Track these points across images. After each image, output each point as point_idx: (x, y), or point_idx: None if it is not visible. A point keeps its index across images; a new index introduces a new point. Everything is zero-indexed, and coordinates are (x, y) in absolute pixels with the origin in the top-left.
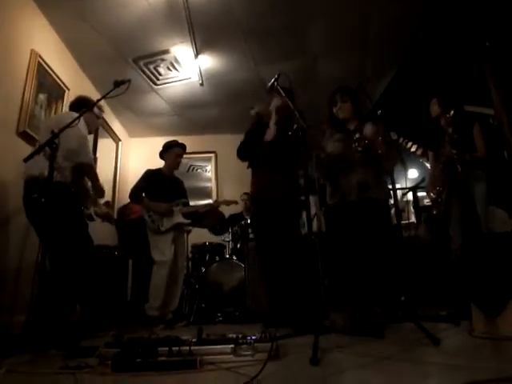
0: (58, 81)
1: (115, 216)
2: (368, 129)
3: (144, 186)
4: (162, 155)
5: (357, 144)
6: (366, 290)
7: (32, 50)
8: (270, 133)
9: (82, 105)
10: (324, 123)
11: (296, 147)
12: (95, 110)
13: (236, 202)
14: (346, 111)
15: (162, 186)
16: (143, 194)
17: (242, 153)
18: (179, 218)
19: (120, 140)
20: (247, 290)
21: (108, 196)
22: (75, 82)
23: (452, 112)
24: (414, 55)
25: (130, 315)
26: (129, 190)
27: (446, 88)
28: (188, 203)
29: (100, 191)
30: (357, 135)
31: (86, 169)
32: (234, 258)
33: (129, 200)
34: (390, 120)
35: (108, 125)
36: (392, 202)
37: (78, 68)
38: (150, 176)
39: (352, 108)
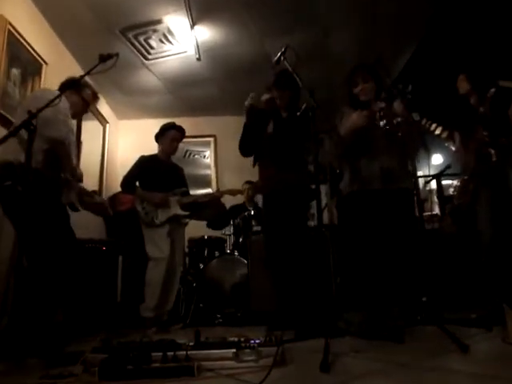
0: (34, 54)
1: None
2: (396, 106)
3: (138, 174)
4: (158, 139)
5: (382, 119)
6: (383, 288)
7: (1, 16)
8: (271, 125)
9: (72, 86)
10: (344, 105)
11: (305, 130)
12: (85, 92)
13: (242, 192)
14: (368, 93)
15: (157, 174)
16: (137, 183)
17: (244, 149)
18: (176, 210)
19: (107, 122)
20: (250, 289)
21: (95, 185)
22: (54, 56)
23: (493, 90)
24: (437, 26)
25: (120, 317)
26: (118, 178)
27: (476, 61)
28: (188, 192)
29: (74, 174)
30: (382, 106)
31: (56, 145)
32: (236, 253)
33: (118, 189)
34: (412, 99)
35: (93, 105)
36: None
37: (58, 40)
38: (144, 163)
39: (375, 88)
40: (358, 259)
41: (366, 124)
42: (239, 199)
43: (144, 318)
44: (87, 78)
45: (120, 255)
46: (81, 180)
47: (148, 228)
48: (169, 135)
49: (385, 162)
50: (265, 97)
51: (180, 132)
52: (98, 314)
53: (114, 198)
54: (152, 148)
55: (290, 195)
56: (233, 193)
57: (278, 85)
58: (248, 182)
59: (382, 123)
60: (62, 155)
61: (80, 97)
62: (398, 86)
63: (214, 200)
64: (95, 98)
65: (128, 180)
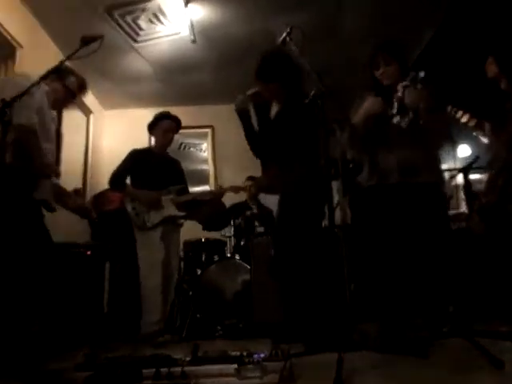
0: (7, 35)
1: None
2: (412, 92)
3: (129, 169)
4: (151, 130)
5: (396, 107)
6: (404, 296)
7: None
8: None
9: (52, 72)
10: (365, 91)
11: (315, 119)
12: (69, 79)
13: (245, 189)
14: (391, 76)
15: (151, 169)
16: (128, 180)
17: (256, 151)
18: (170, 210)
19: (91, 112)
20: (254, 297)
21: (78, 182)
22: (30, 38)
23: None
24: (462, 2)
25: (107, 329)
26: (104, 174)
27: (507, 42)
28: (186, 189)
29: (43, 167)
30: (399, 93)
31: (24, 134)
32: (237, 257)
33: (104, 186)
34: (435, 84)
35: None
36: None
37: (34, 20)
38: (136, 157)
39: (398, 71)
40: (374, 263)
41: (380, 111)
42: (240, 197)
43: (142, 333)
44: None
45: (107, 261)
46: (57, 176)
47: (140, 231)
48: (162, 126)
49: (403, 154)
50: (250, 91)
51: (175, 122)
52: (82, 325)
53: (100, 196)
54: (142, 140)
55: (298, 195)
56: (236, 190)
57: (260, 76)
58: (250, 178)
59: (394, 110)
60: (31, 146)
61: (61, 84)
62: (410, 73)
63: (214, 199)
64: (82, 87)
65: (117, 176)
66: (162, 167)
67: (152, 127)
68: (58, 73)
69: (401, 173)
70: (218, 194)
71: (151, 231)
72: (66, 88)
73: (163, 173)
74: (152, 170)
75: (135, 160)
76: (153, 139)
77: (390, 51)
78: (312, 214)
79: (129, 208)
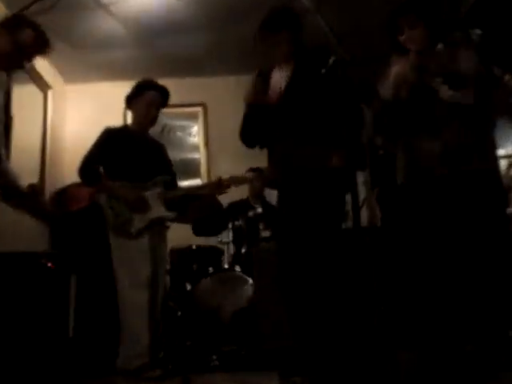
0: None
1: (47, 205)
2: (463, 56)
3: (104, 155)
4: (130, 103)
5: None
6: (451, 317)
7: None
8: (275, 91)
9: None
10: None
11: (334, 94)
12: (22, 33)
13: (248, 181)
14: (418, 40)
15: (130, 155)
16: (101, 170)
17: (247, 139)
18: (159, 211)
19: (50, 88)
20: (258, 318)
21: (33, 175)
22: None
23: None
24: None
25: (73, 359)
26: (67, 164)
27: None
28: (174, 181)
29: None
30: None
31: None
32: (237, 268)
33: (66, 180)
34: (489, 48)
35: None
36: None
37: None
38: (111, 138)
39: (427, 34)
40: (412, 275)
41: (416, 79)
42: (240, 193)
43: (127, 369)
44: None
45: (72, 273)
46: None
47: (118, 238)
48: (146, 98)
49: (449, 136)
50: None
51: (160, 93)
52: (40, 355)
53: (64, 192)
54: (114, 123)
55: (314, 181)
56: (238, 182)
57: (267, 26)
58: (253, 170)
59: (437, 81)
60: None
61: (10, 38)
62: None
63: (211, 193)
64: (40, 43)
65: (89, 164)
66: (143, 152)
67: (131, 99)
68: (5, 25)
69: (446, 160)
70: (217, 187)
71: (136, 239)
72: (15, 43)
73: (145, 159)
74: (131, 155)
75: (110, 142)
76: (130, 117)
77: (415, 11)
78: (328, 214)
79: (105, 207)
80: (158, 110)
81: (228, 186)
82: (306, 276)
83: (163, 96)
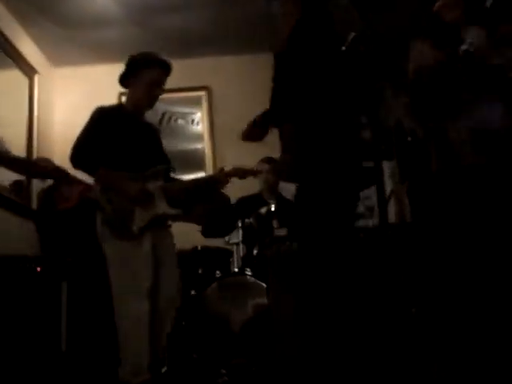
0: None
1: (34, 206)
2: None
3: (99, 139)
4: (127, 80)
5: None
6: (492, 326)
7: None
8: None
9: None
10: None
11: (353, 73)
12: None
13: (256, 173)
14: (454, 9)
15: (126, 139)
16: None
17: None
18: (161, 206)
19: (36, 72)
20: (271, 328)
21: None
22: None
23: None
24: None
25: (66, 376)
26: (55, 157)
27: None
28: (172, 171)
29: None
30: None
31: None
32: (248, 271)
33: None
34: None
35: (12, 46)
36: None
37: None
38: (103, 119)
39: (462, 2)
40: (447, 277)
41: (436, 63)
42: (251, 186)
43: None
44: None
45: (64, 280)
46: None
47: (114, 237)
48: (149, 75)
49: (481, 120)
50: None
51: (165, 70)
52: (31, 371)
53: (52, 190)
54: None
55: (328, 183)
56: (242, 174)
57: None
58: (267, 160)
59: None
60: None
61: None
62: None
63: (212, 188)
64: None
65: (84, 148)
66: (140, 136)
67: (129, 76)
68: None
69: (479, 148)
70: (219, 180)
71: (136, 239)
72: None
73: (142, 145)
74: (128, 140)
75: (105, 124)
76: (124, 96)
77: None
78: (347, 209)
79: (102, 201)
80: (159, 89)
81: (227, 181)
82: (330, 281)
83: (166, 71)
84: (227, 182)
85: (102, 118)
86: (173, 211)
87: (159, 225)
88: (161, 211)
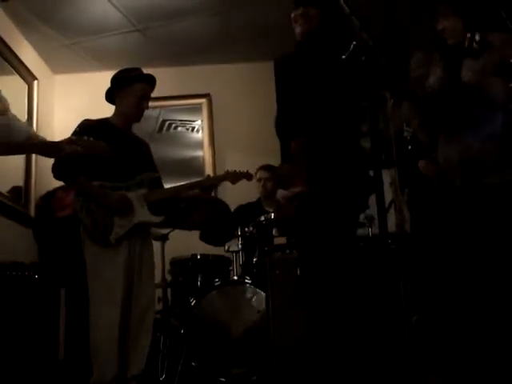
0: None
1: (32, 213)
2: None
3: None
4: (112, 95)
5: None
6: (492, 336)
7: None
8: None
9: None
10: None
11: (355, 82)
12: None
13: (249, 176)
14: (452, 34)
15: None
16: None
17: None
18: (142, 215)
19: (35, 79)
20: (272, 337)
21: (18, 176)
22: None
23: None
24: None
25: (63, 382)
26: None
27: None
28: (158, 180)
29: None
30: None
31: None
32: (248, 280)
33: (55, 183)
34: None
35: (12, 52)
36: None
37: None
38: (87, 132)
39: (461, 26)
40: (447, 287)
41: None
42: (250, 193)
43: None
44: None
45: (62, 287)
46: None
47: (94, 245)
48: (133, 90)
49: (468, 144)
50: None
51: (150, 85)
52: (27, 377)
53: (50, 197)
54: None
55: (329, 191)
56: (234, 178)
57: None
58: (266, 168)
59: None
60: None
61: None
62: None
63: (205, 195)
64: None
65: (65, 161)
66: (126, 149)
67: (118, 88)
68: None
69: (465, 172)
70: (205, 185)
71: (113, 248)
72: None
73: (128, 157)
74: (113, 151)
75: (89, 136)
76: (112, 109)
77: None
78: (349, 218)
79: (81, 211)
80: (146, 103)
81: (214, 186)
82: (331, 289)
83: (152, 86)
84: (214, 187)
85: (85, 130)
86: (155, 219)
87: (141, 233)
88: (141, 218)
